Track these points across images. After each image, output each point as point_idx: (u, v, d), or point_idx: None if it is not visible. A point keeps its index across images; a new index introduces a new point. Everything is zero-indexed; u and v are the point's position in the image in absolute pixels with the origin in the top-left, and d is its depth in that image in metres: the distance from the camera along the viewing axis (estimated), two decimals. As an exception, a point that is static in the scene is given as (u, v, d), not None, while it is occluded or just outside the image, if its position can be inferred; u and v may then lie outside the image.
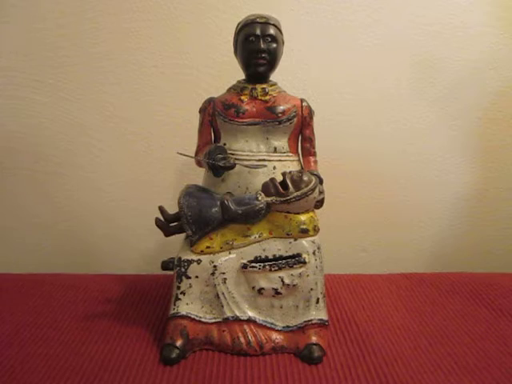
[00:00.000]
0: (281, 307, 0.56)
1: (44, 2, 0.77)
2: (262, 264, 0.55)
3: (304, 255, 0.55)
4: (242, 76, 0.62)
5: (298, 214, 0.55)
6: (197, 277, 0.56)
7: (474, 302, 0.70)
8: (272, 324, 0.56)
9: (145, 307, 0.67)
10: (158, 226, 0.59)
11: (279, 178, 0.56)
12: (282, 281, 0.55)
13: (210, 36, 0.79)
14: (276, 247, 0.56)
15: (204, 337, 0.56)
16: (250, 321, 0.56)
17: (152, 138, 0.82)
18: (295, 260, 0.55)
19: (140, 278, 0.78)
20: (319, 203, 0.59)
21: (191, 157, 0.60)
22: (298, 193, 0.54)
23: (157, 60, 0.80)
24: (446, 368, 0.53)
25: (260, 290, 0.55)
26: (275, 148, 0.59)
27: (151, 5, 0.78)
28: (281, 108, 0.58)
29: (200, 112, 0.62)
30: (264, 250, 0.56)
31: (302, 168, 0.62)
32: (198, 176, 0.65)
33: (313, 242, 0.56)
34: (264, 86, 0.59)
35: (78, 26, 0.78)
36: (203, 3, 0.78)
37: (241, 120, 0.58)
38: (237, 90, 0.60)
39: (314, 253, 0.56)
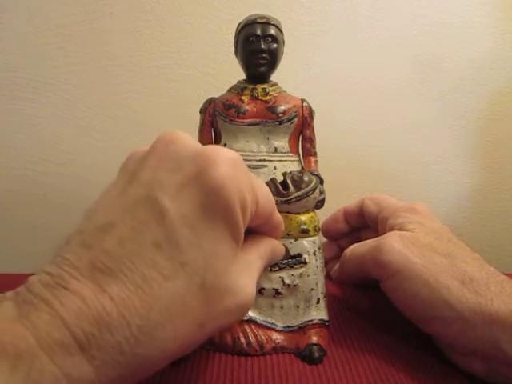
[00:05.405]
0: (281, 307, 0.56)
1: (45, 3, 0.77)
2: (262, 264, 0.55)
3: (304, 255, 0.55)
4: (242, 76, 0.62)
5: (299, 214, 0.55)
6: (197, 277, 0.55)
7: (475, 301, 0.70)
8: (272, 324, 0.56)
9: (145, 307, 0.67)
10: (158, 226, 0.59)
11: (280, 178, 0.56)
12: (283, 281, 0.55)
13: (210, 36, 0.79)
14: (276, 247, 0.56)
15: (205, 337, 0.55)
16: (250, 321, 0.56)
17: (152, 138, 0.82)
18: (296, 260, 0.55)
19: (140, 278, 0.78)
20: (320, 203, 0.59)
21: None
22: (299, 193, 0.54)
23: (157, 60, 0.80)
24: (446, 367, 0.52)
25: (261, 291, 0.55)
26: (276, 148, 0.59)
27: (152, 5, 0.78)
28: (281, 108, 0.58)
29: (200, 112, 0.62)
30: (264, 250, 0.56)
31: (303, 168, 0.62)
32: (199, 176, 0.65)
33: (313, 242, 0.56)
34: (264, 86, 0.59)
35: (78, 26, 0.78)
36: (203, 3, 0.78)
37: (241, 120, 0.58)
38: (237, 90, 0.60)
39: (314, 253, 0.56)
